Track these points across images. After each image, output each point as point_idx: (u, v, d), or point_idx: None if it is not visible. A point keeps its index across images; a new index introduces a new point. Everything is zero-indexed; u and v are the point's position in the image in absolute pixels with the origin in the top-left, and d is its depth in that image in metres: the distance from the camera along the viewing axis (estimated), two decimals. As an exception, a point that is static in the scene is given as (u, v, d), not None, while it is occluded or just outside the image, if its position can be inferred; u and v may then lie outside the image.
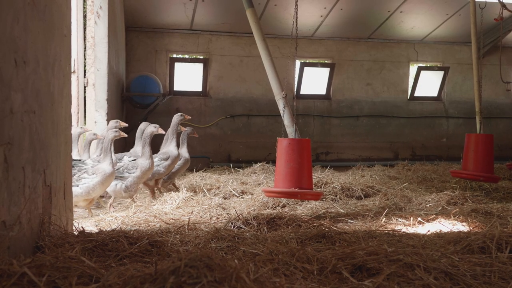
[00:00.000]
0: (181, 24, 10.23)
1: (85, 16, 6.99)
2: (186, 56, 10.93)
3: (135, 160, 5.42)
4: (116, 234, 2.82)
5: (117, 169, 5.16)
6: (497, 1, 7.06)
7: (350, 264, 2.49)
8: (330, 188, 5.79)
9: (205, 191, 5.85)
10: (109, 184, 4.80)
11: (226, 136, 10.74)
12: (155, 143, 6.11)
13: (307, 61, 11.11)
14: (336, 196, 5.60)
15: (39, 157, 2.56)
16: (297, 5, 5.05)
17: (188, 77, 10.60)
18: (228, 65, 10.71)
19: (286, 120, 5.18)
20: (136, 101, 9.31)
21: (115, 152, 5.80)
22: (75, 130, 5.86)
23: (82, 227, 3.17)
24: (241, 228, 3.87)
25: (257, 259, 2.60)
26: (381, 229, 3.89)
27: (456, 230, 3.80)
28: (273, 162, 6.98)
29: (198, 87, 10.69)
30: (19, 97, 2.23)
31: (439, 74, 11.80)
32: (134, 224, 4.13)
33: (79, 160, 5.37)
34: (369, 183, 6.29)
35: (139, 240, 2.81)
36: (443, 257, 2.68)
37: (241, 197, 5.75)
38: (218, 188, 6.18)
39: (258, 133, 10.87)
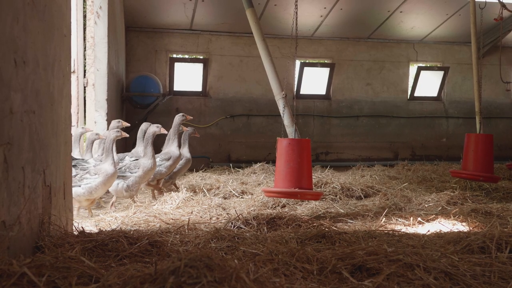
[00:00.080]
0: (181, 24, 10.23)
1: (85, 16, 6.99)
2: (186, 56, 10.93)
3: (137, 160, 5.42)
4: (116, 234, 2.82)
5: (119, 169, 5.16)
6: (497, 1, 7.06)
7: (350, 264, 2.49)
8: (330, 188, 5.79)
9: (205, 191, 5.85)
10: (111, 184, 4.82)
11: (226, 136, 10.74)
12: (156, 143, 6.11)
13: (307, 61, 11.11)
14: (336, 196, 5.60)
15: (39, 157, 2.56)
16: (297, 5, 5.05)
17: (188, 77, 10.60)
18: (228, 65, 10.71)
19: (286, 120, 5.18)
20: (136, 101, 9.31)
21: (116, 152, 5.81)
22: (76, 130, 5.87)
23: (82, 227, 3.17)
24: (241, 228, 3.87)
25: (257, 259, 2.60)
26: (381, 229, 3.89)
27: (456, 230, 3.80)
28: (273, 162, 6.98)
29: (198, 87, 10.68)
30: (19, 97, 2.23)
31: (439, 74, 11.80)
32: (134, 224, 4.13)
33: (82, 159, 5.38)
34: (369, 183, 6.29)
35: (139, 240, 2.81)
36: (443, 257, 2.68)
37: (241, 197, 5.75)
38: (218, 188, 6.18)
39: (258, 133, 10.87)
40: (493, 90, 11.99)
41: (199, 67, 10.62)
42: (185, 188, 5.77)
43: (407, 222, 4.28)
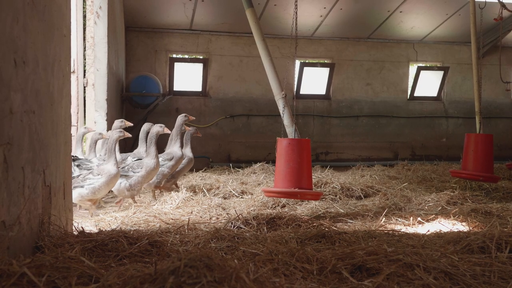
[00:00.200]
0: (181, 24, 10.23)
1: (84, 16, 6.99)
2: (186, 56, 10.93)
3: (140, 160, 5.42)
4: (116, 234, 2.82)
5: (122, 168, 5.17)
6: (497, 1, 7.06)
7: (350, 264, 2.49)
8: (330, 188, 5.79)
9: (205, 191, 5.85)
10: (114, 185, 4.83)
11: (226, 136, 10.74)
12: (158, 143, 6.11)
13: (306, 61, 11.11)
14: (335, 196, 5.60)
15: (38, 157, 2.56)
16: (296, 5, 5.05)
17: (187, 77, 10.60)
18: (228, 65, 10.71)
19: (286, 120, 5.18)
20: (136, 101, 9.31)
21: (119, 152, 5.82)
22: (79, 130, 5.88)
23: (82, 227, 3.17)
24: (241, 228, 3.87)
25: (257, 259, 2.60)
26: (380, 229, 3.89)
27: (456, 230, 3.80)
28: (273, 162, 6.98)
29: (198, 87, 10.68)
30: (19, 97, 2.23)
31: (439, 74, 11.80)
32: (134, 224, 4.13)
33: (85, 159, 5.39)
34: (368, 183, 6.29)
35: (139, 240, 2.81)
36: (443, 257, 2.68)
37: (241, 197, 5.75)
38: (218, 188, 6.19)
39: (258, 133, 10.87)
40: (493, 90, 11.99)
41: (199, 67, 10.62)
42: (185, 188, 5.77)
43: (407, 222, 4.28)
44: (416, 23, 10.69)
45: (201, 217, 4.49)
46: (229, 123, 10.76)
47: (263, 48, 5.43)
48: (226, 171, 8.80)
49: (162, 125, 5.54)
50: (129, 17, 9.78)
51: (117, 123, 5.80)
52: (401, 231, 3.75)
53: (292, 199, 5.10)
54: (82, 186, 4.60)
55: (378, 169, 8.58)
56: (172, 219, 4.36)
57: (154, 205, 5.02)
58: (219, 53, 10.66)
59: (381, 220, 4.37)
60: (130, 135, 5.13)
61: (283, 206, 5.06)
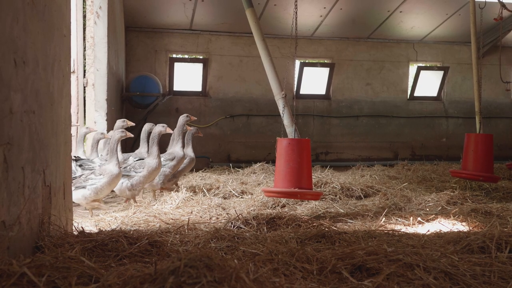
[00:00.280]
0: (181, 24, 10.23)
1: (84, 16, 6.99)
2: (186, 56, 10.93)
3: (142, 159, 5.42)
4: (116, 234, 2.82)
5: (124, 168, 5.18)
6: (497, 1, 7.06)
7: (350, 264, 2.49)
8: (330, 188, 5.79)
9: (205, 191, 5.85)
10: (116, 185, 4.84)
11: (226, 136, 10.74)
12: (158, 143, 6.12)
13: (306, 61, 11.11)
14: (335, 196, 5.60)
15: (38, 157, 2.56)
16: (296, 5, 5.05)
17: (187, 77, 10.60)
18: (227, 65, 10.71)
19: (286, 120, 5.18)
20: (136, 101, 9.31)
21: (121, 152, 5.82)
22: (80, 130, 5.88)
23: (82, 227, 3.17)
24: (241, 228, 3.87)
25: (257, 259, 2.59)
26: (380, 229, 3.89)
27: (456, 230, 3.80)
28: (273, 162, 6.98)
29: (198, 87, 10.69)
30: (19, 97, 2.23)
31: (439, 74, 11.80)
32: (134, 224, 4.13)
33: (87, 159, 5.39)
34: (368, 183, 6.29)
35: (138, 240, 2.81)
36: (443, 257, 2.68)
37: (241, 197, 5.75)
38: (218, 188, 6.18)
39: (257, 133, 10.87)
40: (493, 90, 11.99)
41: (199, 67, 10.62)
42: (185, 188, 5.77)
43: (407, 222, 4.28)
44: (416, 23, 10.69)
45: (201, 217, 4.49)
46: (229, 123, 10.76)
47: (263, 48, 5.43)
48: (226, 171, 8.80)
49: (165, 125, 5.54)
50: (129, 17, 9.78)
51: (119, 122, 5.80)
52: (401, 231, 3.74)
53: (292, 199, 5.10)
54: (84, 187, 4.60)
55: (378, 169, 8.58)
56: (172, 219, 4.35)
57: (154, 205, 5.02)
58: (219, 53, 10.66)
59: (381, 220, 4.37)
60: (132, 135, 5.14)
61: (283, 206, 5.06)
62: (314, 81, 11.16)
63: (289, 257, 2.60)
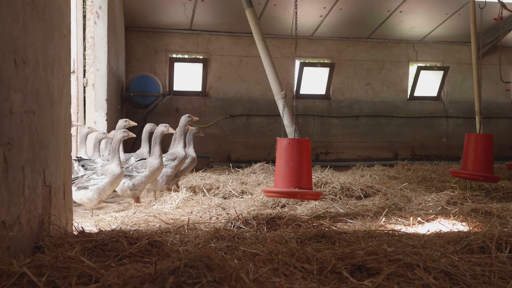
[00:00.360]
0: (181, 24, 10.23)
1: (84, 16, 6.99)
2: (186, 56, 10.93)
3: (144, 159, 5.42)
4: (116, 234, 2.82)
5: (126, 168, 5.18)
6: (497, 1, 7.06)
7: (350, 264, 2.49)
8: (330, 188, 5.79)
9: (205, 191, 5.85)
10: (118, 185, 4.85)
11: (226, 136, 10.74)
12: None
13: (306, 61, 11.11)
14: (335, 196, 5.60)
15: (38, 157, 2.56)
16: (296, 5, 5.05)
17: (187, 77, 10.60)
18: (227, 65, 10.71)
19: (286, 120, 5.18)
20: (136, 101, 9.31)
21: (123, 152, 5.82)
22: (82, 130, 5.87)
23: (82, 227, 3.17)
24: (241, 228, 3.87)
25: (257, 259, 2.59)
26: (380, 229, 3.89)
27: (456, 230, 3.80)
28: (273, 162, 6.98)
29: (198, 87, 10.69)
30: (19, 97, 2.23)
31: (439, 74, 11.80)
32: (134, 224, 4.13)
33: (89, 159, 5.39)
34: (368, 183, 6.29)
35: (138, 240, 2.81)
36: (443, 257, 2.68)
37: (241, 197, 5.75)
38: (218, 188, 6.18)
39: (257, 133, 10.87)
40: (493, 90, 11.99)
41: (199, 67, 10.62)
42: (185, 188, 5.77)
43: (407, 222, 4.28)
44: (416, 23, 10.69)
45: (201, 217, 4.49)
46: (229, 123, 10.76)
47: (263, 48, 5.43)
48: (226, 171, 8.80)
49: (167, 125, 5.54)
50: (129, 17, 9.78)
51: (121, 122, 5.80)
52: (401, 231, 3.74)
53: (292, 199, 5.10)
54: (86, 187, 4.61)
55: (378, 169, 8.58)
56: (172, 219, 4.35)
57: (154, 205, 5.02)
58: (219, 53, 10.66)
59: (381, 220, 4.37)
60: (134, 135, 5.14)
61: (283, 206, 5.06)
62: (314, 81, 11.16)
63: (289, 257, 2.60)
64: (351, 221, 4.49)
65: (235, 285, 1.76)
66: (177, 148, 5.87)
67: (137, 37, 10.29)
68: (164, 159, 5.66)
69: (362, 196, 5.79)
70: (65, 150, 3.25)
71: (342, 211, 4.94)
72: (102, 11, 6.83)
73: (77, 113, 6.53)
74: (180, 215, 4.51)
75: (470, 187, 6.36)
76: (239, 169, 8.69)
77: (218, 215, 4.56)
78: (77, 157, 5.47)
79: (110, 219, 4.37)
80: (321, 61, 11.30)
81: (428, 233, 3.66)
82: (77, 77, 6.48)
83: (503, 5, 7.01)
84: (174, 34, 10.44)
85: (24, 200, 2.31)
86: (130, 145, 8.90)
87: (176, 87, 10.54)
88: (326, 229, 3.56)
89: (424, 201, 5.33)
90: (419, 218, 4.30)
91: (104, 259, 2.56)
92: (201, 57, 10.69)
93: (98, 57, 6.86)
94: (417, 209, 5.03)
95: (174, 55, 10.63)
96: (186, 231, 3.73)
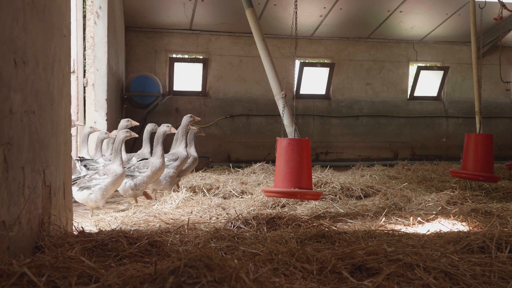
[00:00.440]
0: (181, 24, 10.23)
1: (84, 16, 6.99)
2: (186, 56, 10.93)
3: (145, 159, 5.42)
4: (116, 234, 2.82)
5: (128, 168, 5.18)
6: (497, 0, 7.06)
7: (350, 264, 2.49)
8: (330, 188, 5.79)
9: (205, 191, 5.85)
10: (120, 184, 4.85)
11: (226, 136, 10.74)
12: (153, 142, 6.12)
13: (306, 61, 11.11)
14: (335, 196, 5.60)
15: (38, 157, 2.56)
16: (296, 5, 5.05)
17: (187, 77, 10.60)
18: (227, 65, 10.71)
19: (286, 120, 5.18)
20: (136, 101, 9.31)
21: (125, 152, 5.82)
22: (84, 130, 5.87)
23: (82, 227, 3.17)
24: (241, 228, 3.87)
25: (257, 259, 2.59)
26: (380, 229, 3.89)
27: (456, 230, 3.80)
28: (273, 162, 6.98)
29: (198, 87, 10.69)
30: (19, 97, 2.23)
31: (439, 74, 11.80)
32: (134, 224, 4.13)
33: (91, 159, 5.39)
34: (368, 183, 6.29)
35: (138, 240, 2.81)
36: (443, 257, 2.68)
37: (241, 197, 5.75)
38: (218, 188, 6.18)
39: (257, 133, 10.87)
40: (493, 90, 11.99)
41: (198, 67, 10.62)
42: (185, 188, 5.77)
43: (407, 222, 4.28)
44: (416, 23, 10.70)
45: (201, 217, 4.49)
46: (229, 123, 10.76)
47: (263, 48, 5.43)
48: (226, 171, 8.80)
49: (169, 125, 5.54)
50: (129, 17, 9.78)
51: (124, 122, 5.79)
52: (401, 231, 3.74)
53: (292, 199, 5.10)
54: (88, 187, 4.61)
55: (378, 169, 8.58)
56: (172, 219, 4.35)
57: (154, 205, 5.02)
58: (219, 53, 10.66)
59: (381, 220, 4.37)
60: (136, 135, 5.14)
61: (283, 206, 5.06)
62: (314, 81, 11.17)
63: (289, 257, 2.60)
64: (351, 221, 4.49)
65: (235, 285, 1.76)
66: (178, 148, 5.87)
67: (137, 37, 10.29)
68: (166, 159, 5.65)
69: (362, 196, 5.79)
70: (65, 150, 3.25)
71: (342, 211, 4.94)
72: (102, 11, 6.83)
73: (77, 113, 6.53)
74: (180, 215, 4.51)
75: (470, 187, 6.36)
76: (239, 169, 8.69)
77: (218, 215, 4.56)
78: (79, 157, 5.47)
79: (110, 219, 4.37)
80: (321, 61, 11.30)
81: (428, 233, 3.66)
82: (77, 77, 6.48)
83: (503, 5, 7.01)
84: (174, 34, 10.44)
85: (24, 200, 2.31)
86: (130, 145, 8.90)
87: (176, 87, 10.54)
88: (326, 229, 3.56)
89: (424, 201, 5.33)
90: (419, 218, 4.30)
91: (104, 259, 2.56)
92: (201, 57, 10.69)
93: (98, 57, 6.86)
94: (417, 209, 5.02)
95: (174, 55, 10.63)
96: (186, 231, 3.73)
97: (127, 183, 5.11)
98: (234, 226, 3.91)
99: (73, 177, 5.06)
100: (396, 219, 4.42)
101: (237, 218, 4.02)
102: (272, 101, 6.19)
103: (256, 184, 6.76)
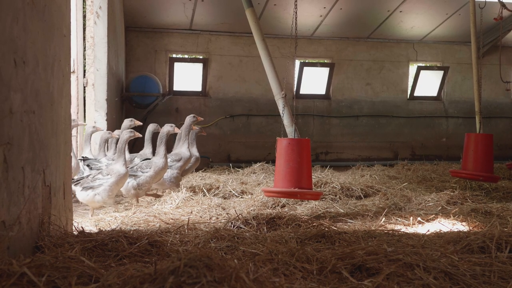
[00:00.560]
0: (181, 24, 10.23)
1: (84, 16, 6.99)
2: (186, 56, 10.93)
3: (148, 159, 5.42)
4: (116, 234, 2.82)
5: (131, 168, 5.18)
6: (497, 0, 7.06)
7: (350, 264, 2.49)
8: (330, 188, 5.78)
9: (205, 191, 5.85)
10: (123, 185, 4.86)
11: (226, 136, 10.74)
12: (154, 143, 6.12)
13: (306, 61, 11.11)
14: (335, 196, 5.59)
15: (38, 157, 2.56)
16: (296, 4, 5.04)
17: (187, 77, 10.60)
18: (227, 65, 10.71)
19: (286, 120, 5.18)
20: (136, 101, 9.31)
21: (129, 152, 5.82)
22: (87, 129, 5.87)
23: (82, 227, 3.17)
24: (241, 228, 3.87)
25: (257, 259, 2.60)
26: (380, 229, 3.89)
27: (456, 230, 3.80)
28: (273, 162, 6.97)
29: (198, 87, 10.69)
30: (19, 97, 2.23)
31: (439, 74, 11.80)
32: (134, 224, 4.13)
33: (94, 159, 5.39)
34: (368, 183, 6.29)
35: (138, 240, 2.81)
36: (443, 257, 2.68)
37: (241, 197, 5.75)
38: (218, 188, 6.18)
39: (257, 133, 10.87)
40: (493, 89, 11.99)
41: (198, 67, 10.62)
42: (185, 188, 5.77)
43: (407, 222, 4.28)
44: (416, 22, 10.70)
45: (201, 217, 4.49)
46: (229, 123, 10.76)
47: (263, 48, 5.43)
48: (226, 171, 8.80)
49: (173, 124, 5.53)
50: (129, 17, 9.77)
51: (127, 122, 5.79)
52: (401, 231, 3.74)
53: (292, 199, 5.10)
54: (92, 187, 4.61)
55: (378, 169, 8.58)
56: (172, 219, 4.35)
57: (154, 205, 5.02)
58: (219, 53, 10.66)
59: (381, 220, 4.37)
60: (140, 135, 5.14)
61: (283, 206, 5.06)
62: (314, 81, 11.17)
63: (289, 257, 2.60)
64: (351, 221, 4.49)
65: (235, 285, 1.76)
66: (181, 149, 5.87)
67: (137, 37, 10.29)
68: (169, 160, 5.65)
69: (362, 196, 5.79)
70: (65, 150, 3.25)
71: (342, 211, 4.94)
72: (102, 11, 6.83)
73: (77, 113, 6.53)
74: (180, 215, 4.51)
75: (470, 187, 6.36)
76: (239, 169, 8.69)
77: (218, 215, 4.56)
78: (82, 157, 5.47)
79: (110, 219, 4.37)
80: (321, 61, 11.30)
81: (428, 233, 3.66)
82: (77, 77, 6.48)
83: (503, 5, 7.00)
84: (174, 34, 10.44)
85: (24, 200, 2.31)
86: (130, 146, 8.89)
87: (176, 87, 10.54)
88: (326, 229, 3.56)
89: (424, 201, 5.33)
90: (419, 218, 4.30)
91: (104, 259, 2.56)
92: (201, 57, 10.69)
93: (98, 57, 6.86)
94: (417, 209, 5.02)
95: (174, 55, 10.64)
96: (186, 231, 3.73)
97: (129, 182, 5.11)
98: (234, 226, 3.91)
99: (76, 177, 5.07)
100: (396, 219, 4.42)
101: (237, 218, 4.02)
102: (272, 101, 6.19)
103: (256, 184, 6.76)
